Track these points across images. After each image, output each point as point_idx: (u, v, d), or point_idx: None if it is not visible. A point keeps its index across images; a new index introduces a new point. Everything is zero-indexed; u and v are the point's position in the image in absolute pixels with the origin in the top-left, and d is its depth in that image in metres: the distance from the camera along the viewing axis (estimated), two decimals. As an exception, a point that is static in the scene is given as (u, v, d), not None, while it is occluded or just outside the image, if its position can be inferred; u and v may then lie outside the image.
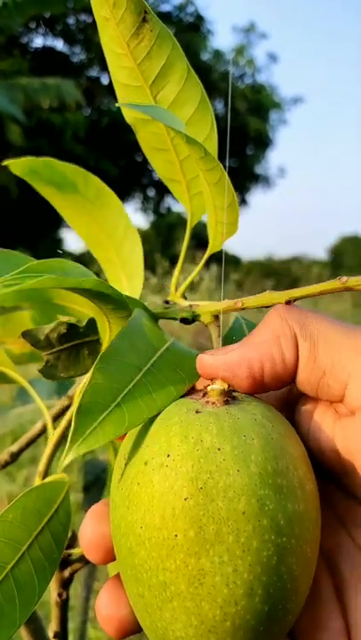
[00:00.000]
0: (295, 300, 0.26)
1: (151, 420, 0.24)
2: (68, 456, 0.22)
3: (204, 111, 0.30)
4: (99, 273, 0.32)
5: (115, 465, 0.26)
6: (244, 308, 0.28)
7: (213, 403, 0.24)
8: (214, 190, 0.28)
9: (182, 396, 0.26)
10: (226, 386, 0.25)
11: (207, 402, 0.24)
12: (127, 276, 0.37)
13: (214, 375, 0.25)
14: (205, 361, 0.26)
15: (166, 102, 0.30)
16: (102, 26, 0.28)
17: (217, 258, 0.35)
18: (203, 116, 0.30)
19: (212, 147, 0.31)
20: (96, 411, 0.23)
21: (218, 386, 0.24)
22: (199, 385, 0.27)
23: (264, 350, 0.25)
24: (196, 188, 0.33)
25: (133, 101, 0.30)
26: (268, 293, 0.27)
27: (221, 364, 0.25)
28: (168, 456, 0.22)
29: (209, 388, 0.24)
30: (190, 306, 0.31)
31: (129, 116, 0.32)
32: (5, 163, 0.36)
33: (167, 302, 0.34)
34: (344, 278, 0.25)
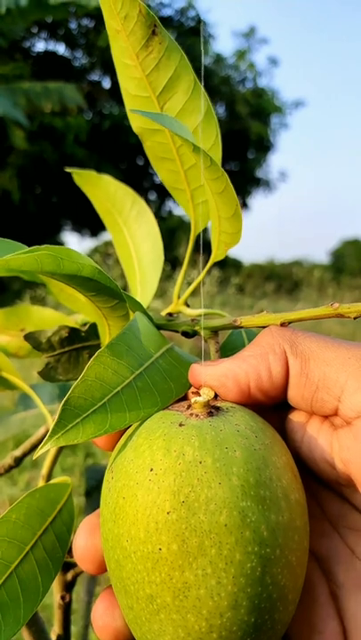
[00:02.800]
0: (290, 323, 0.27)
1: (136, 432, 0.25)
2: (45, 446, 0.22)
3: (209, 121, 0.31)
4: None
5: (104, 478, 0.26)
6: (241, 327, 0.30)
7: (197, 415, 0.24)
8: (219, 200, 0.28)
9: (170, 406, 0.26)
10: (212, 396, 0.26)
11: (191, 414, 0.24)
12: (142, 285, 0.38)
13: (205, 384, 0.27)
14: (196, 370, 0.27)
15: (173, 112, 0.31)
16: (113, 37, 0.29)
17: (217, 261, 0.35)
18: (208, 125, 0.31)
19: (217, 157, 0.31)
20: (82, 407, 0.23)
21: (202, 398, 0.25)
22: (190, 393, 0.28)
23: (251, 364, 0.26)
24: (200, 197, 0.33)
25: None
26: (265, 314, 0.28)
27: (211, 374, 0.26)
28: (151, 470, 0.23)
29: (193, 400, 0.25)
30: (192, 320, 0.32)
31: (136, 125, 0.32)
32: (68, 169, 0.39)
33: (170, 315, 0.34)
34: (336, 305, 0.26)
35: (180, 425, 0.24)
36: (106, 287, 0.26)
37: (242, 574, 0.21)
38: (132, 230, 0.40)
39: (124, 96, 0.31)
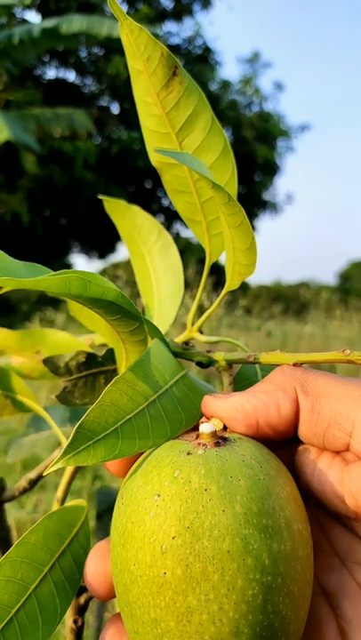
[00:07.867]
0: (301, 364, 0.29)
1: (146, 460, 0.26)
2: (56, 465, 0.23)
3: (226, 158, 0.32)
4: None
5: (115, 503, 0.27)
6: (255, 362, 0.31)
7: (205, 445, 0.25)
8: (235, 233, 0.29)
9: (179, 435, 0.27)
10: (221, 427, 0.27)
11: (199, 444, 0.25)
12: (159, 314, 0.39)
13: (215, 416, 0.28)
14: (209, 402, 0.28)
15: (191, 148, 0.32)
16: (135, 77, 0.30)
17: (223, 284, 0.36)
18: (225, 161, 0.32)
19: (233, 191, 0.32)
20: (95, 430, 0.24)
21: (209, 428, 0.26)
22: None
23: (261, 400, 0.27)
24: (215, 229, 0.34)
25: (161, 147, 0.32)
26: (278, 353, 0.30)
27: (221, 406, 0.28)
28: (159, 496, 0.23)
29: (201, 429, 0.26)
30: (207, 351, 0.33)
31: (155, 160, 0.33)
32: (100, 197, 0.41)
33: (187, 344, 0.35)
34: (347, 351, 0.27)
35: (188, 454, 0.25)
36: (128, 312, 0.27)
37: (243, 601, 0.21)
38: (155, 262, 0.41)
39: (143, 132, 0.32)
